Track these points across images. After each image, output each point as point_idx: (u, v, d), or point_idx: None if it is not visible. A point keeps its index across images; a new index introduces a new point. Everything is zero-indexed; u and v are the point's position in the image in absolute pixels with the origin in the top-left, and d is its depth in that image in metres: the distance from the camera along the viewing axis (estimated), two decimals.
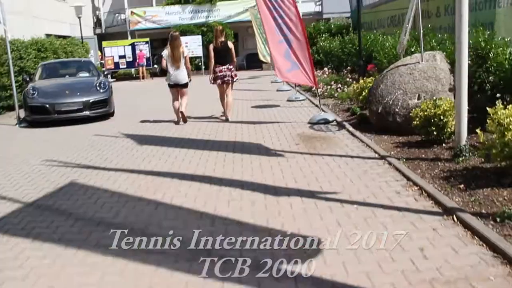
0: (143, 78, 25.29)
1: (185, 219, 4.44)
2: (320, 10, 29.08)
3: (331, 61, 17.22)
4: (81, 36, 20.60)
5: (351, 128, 7.89)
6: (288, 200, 4.79)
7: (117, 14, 29.07)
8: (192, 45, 25.75)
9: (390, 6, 15.81)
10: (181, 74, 9.02)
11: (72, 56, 17.98)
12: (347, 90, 11.31)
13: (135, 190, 5.39)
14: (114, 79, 27.07)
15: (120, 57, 26.15)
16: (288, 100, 12.06)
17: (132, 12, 27.35)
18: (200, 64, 26.58)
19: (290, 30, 8.74)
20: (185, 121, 9.29)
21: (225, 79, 9.13)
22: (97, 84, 10.83)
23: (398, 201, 4.59)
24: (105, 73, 12.15)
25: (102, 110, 10.60)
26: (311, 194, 4.93)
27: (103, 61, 26.04)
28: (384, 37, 13.16)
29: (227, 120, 9.44)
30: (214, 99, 10.96)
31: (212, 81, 9.28)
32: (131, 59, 26.12)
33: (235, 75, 9.38)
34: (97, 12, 29.89)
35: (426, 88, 7.28)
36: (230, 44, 9.25)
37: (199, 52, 25.87)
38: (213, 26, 26.16)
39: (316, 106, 10.61)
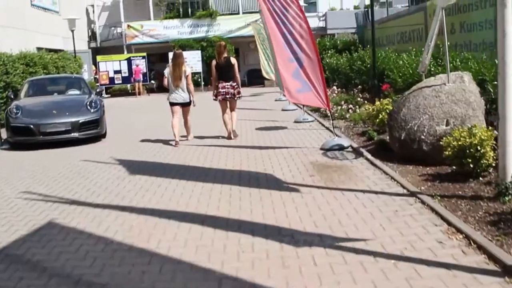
0: (139, 94, 24.51)
1: (185, 280, 3.56)
2: (324, 26, 28.48)
3: (338, 79, 16.48)
4: (74, 50, 19.80)
5: (370, 156, 7.06)
6: (309, 252, 3.93)
7: (113, 28, 28.36)
8: (191, 61, 24.98)
9: (399, 22, 15.15)
10: (183, 93, 8.79)
11: (64, 71, 17.16)
12: (359, 111, 10.51)
13: (125, 235, 4.51)
14: (109, 95, 26.28)
15: (116, 72, 25.41)
16: (296, 122, 11.23)
17: (128, 25, 26.64)
18: (199, 80, 25.80)
19: (301, 47, 7.88)
20: (188, 138, 9.27)
21: (228, 96, 8.90)
22: (88, 103, 9.99)
23: (443, 255, 3.74)
24: (97, 90, 11.14)
25: (92, 132, 9.75)
26: (336, 243, 4.08)
27: (97, 76, 25.26)
28: (397, 54, 12.45)
29: (230, 138, 9.15)
30: (216, 116, 10.46)
31: (214, 98, 9.06)
32: (127, 74, 25.37)
33: (239, 92, 9.10)
34: (92, 26, 29.20)
35: (455, 112, 6.47)
36: (233, 60, 8.99)
37: (198, 67, 25.13)
38: (213, 41, 25.72)
39: (327, 128, 9.82)
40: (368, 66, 13.25)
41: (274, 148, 8.32)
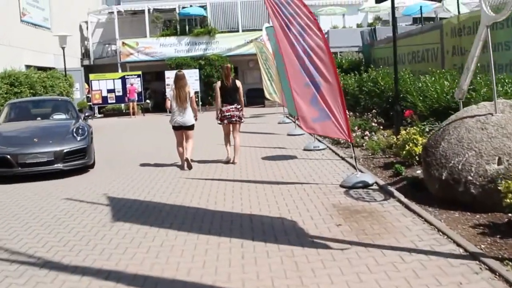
0: (133, 114, 23.42)
1: None
2: None
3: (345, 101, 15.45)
4: (65, 68, 18.71)
5: (403, 198, 5.97)
6: None
7: (107, 45, 27.37)
8: (188, 80, 23.80)
9: (411, 41, 14.20)
10: (186, 116, 8.47)
11: (52, 91, 16.06)
12: (376, 138, 9.45)
13: None
14: (102, 115, 25.21)
15: (109, 91, 24.38)
16: (305, 149, 10.15)
17: (123, 43, 25.65)
18: (197, 100, 24.70)
19: (318, 70, 6.85)
20: (190, 167, 8.54)
21: (233, 119, 8.72)
22: (75, 130, 8.88)
23: None
24: (86, 114, 10.05)
25: (79, 162, 8.63)
26: None
27: (89, 95, 24.20)
28: (412, 75, 11.46)
29: (233, 163, 8.86)
30: (217, 139, 10.23)
31: (218, 121, 8.85)
32: (121, 94, 24.32)
33: (243, 116, 8.95)
34: (86, 43, 28.20)
35: (509, 149, 5.42)
36: (239, 83, 8.86)
37: (196, 87, 24.04)
38: (211, 59, 24.87)
39: (342, 159, 8.77)
40: (382, 88, 12.24)
41: (286, 184, 7.22)
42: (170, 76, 24.09)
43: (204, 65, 24.77)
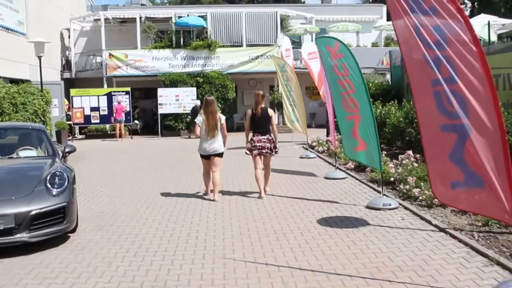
0: (120, 136, 20.28)
1: None
2: None
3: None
4: (41, 81, 15.48)
5: None
6: None
7: (91, 56, 24.16)
8: (184, 99, 21.11)
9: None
10: (217, 143, 7.91)
11: (25, 110, 12.90)
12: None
13: None
14: (83, 136, 22.03)
15: (93, 109, 21.27)
16: (370, 207, 7.18)
17: (110, 54, 22.52)
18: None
19: (469, 105, 4.21)
20: (214, 199, 7.89)
21: (264, 150, 8.09)
22: (49, 178, 5.79)
23: None
24: (66, 150, 7.04)
25: (53, 230, 5.52)
26: None
27: (69, 113, 21.02)
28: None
29: (259, 197, 8.06)
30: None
31: (248, 152, 8.18)
32: (106, 113, 21.22)
33: (275, 147, 8.23)
34: (67, 53, 24.99)
35: None
36: (271, 112, 8.20)
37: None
38: (211, 77, 21.93)
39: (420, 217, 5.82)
40: None
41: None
42: (163, 94, 21.15)
43: (203, 83, 21.81)
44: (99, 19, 23.51)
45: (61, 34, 24.83)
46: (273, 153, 8.16)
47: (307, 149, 14.07)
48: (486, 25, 21.38)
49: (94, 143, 19.23)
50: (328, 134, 16.56)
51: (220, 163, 8.01)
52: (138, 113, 23.70)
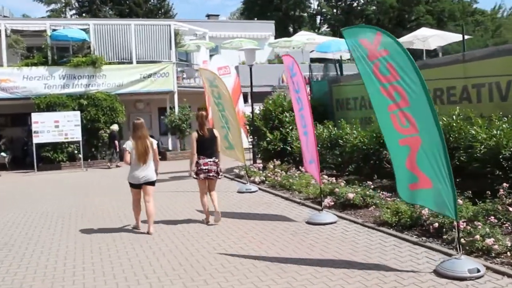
0: None
1: None
2: None
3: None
4: None
5: None
6: None
7: None
8: (66, 125, 17.71)
9: (434, 74, 10.56)
10: (148, 170, 7.38)
11: None
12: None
13: None
14: None
15: None
16: (446, 276, 5.39)
17: None
18: (76, 152, 18.39)
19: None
20: (149, 232, 7.34)
21: (211, 174, 7.75)
22: None
23: None
24: None
25: None
26: None
27: None
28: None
29: (208, 222, 7.79)
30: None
31: (194, 176, 7.78)
32: None
33: (221, 171, 7.95)
34: None
35: None
36: (217, 133, 8.01)
37: (76, 135, 17.82)
38: (96, 98, 18.80)
39: None
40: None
41: None
42: (38, 120, 17.59)
43: (87, 106, 18.61)
44: None
45: None
46: (219, 176, 7.89)
47: (242, 181, 12.00)
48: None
49: None
50: (255, 160, 14.82)
51: (153, 192, 7.58)
52: (4, 143, 19.57)
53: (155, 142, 7.52)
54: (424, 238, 6.29)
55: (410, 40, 21.01)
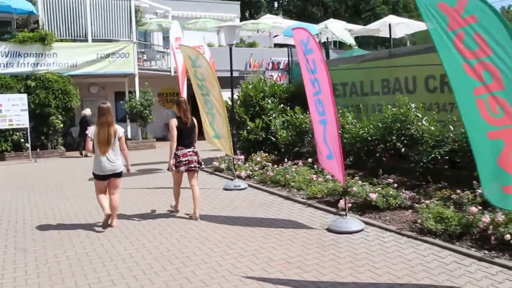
0: None
1: None
2: None
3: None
4: None
5: None
6: None
7: None
8: (10, 110, 15.45)
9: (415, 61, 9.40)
10: (115, 161, 6.66)
11: None
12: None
13: None
14: None
15: None
16: None
17: None
18: (23, 141, 16.15)
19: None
20: (112, 225, 6.77)
21: (192, 165, 7.12)
22: None
23: None
24: None
25: None
26: None
27: None
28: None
29: (195, 218, 7.05)
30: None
31: (174, 169, 7.03)
32: None
33: (202, 161, 7.34)
34: None
35: None
36: (195, 121, 7.30)
37: (23, 121, 15.58)
38: (46, 79, 16.52)
39: None
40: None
41: None
42: None
43: (36, 88, 16.32)
44: None
45: None
46: (201, 167, 7.34)
47: (227, 175, 10.52)
48: (345, 30, 20.75)
49: None
50: (235, 151, 13.20)
51: (119, 183, 6.97)
52: None
53: (121, 131, 6.77)
54: (486, 252, 5.09)
55: (377, 28, 20.17)
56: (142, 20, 19.88)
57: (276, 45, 26.05)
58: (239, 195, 8.70)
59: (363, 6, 53.62)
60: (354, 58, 12.50)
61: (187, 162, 7.04)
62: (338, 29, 20.32)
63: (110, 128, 6.58)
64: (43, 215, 7.73)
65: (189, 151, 7.08)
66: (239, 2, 25.78)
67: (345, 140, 9.60)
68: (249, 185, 9.40)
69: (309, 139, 11.02)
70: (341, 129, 9.84)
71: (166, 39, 23.91)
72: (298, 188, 8.69)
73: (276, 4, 53.05)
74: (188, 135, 7.08)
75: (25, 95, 15.79)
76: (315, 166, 9.42)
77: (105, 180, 6.73)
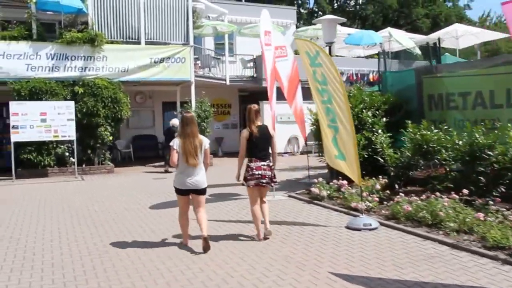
0: None
1: None
2: (254, 75, 20.26)
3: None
4: None
5: None
6: None
7: None
8: (56, 119, 13.56)
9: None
10: (199, 175, 6.22)
11: None
12: None
13: None
14: None
15: None
16: None
17: None
18: (68, 155, 14.22)
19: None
20: (207, 248, 6.06)
21: (264, 180, 6.58)
22: None
23: None
24: None
25: None
26: None
27: None
28: None
29: (261, 238, 6.59)
30: None
31: (244, 183, 6.66)
32: None
33: (275, 177, 6.77)
34: None
35: None
36: (272, 131, 6.73)
37: (70, 132, 13.64)
38: (95, 85, 14.59)
39: None
40: None
41: None
42: (19, 111, 13.39)
43: (83, 95, 14.41)
44: None
45: None
46: (273, 183, 6.76)
47: (338, 207, 8.27)
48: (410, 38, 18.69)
49: None
50: (332, 175, 10.86)
51: (204, 200, 6.38)
52: None
53: (207, 142, 6.35)
54: None
55: (438, 37, 18.07)
56: (198, 23, 17.92)
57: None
58: (376, 239, 6.41)
59: (405, 18, 51.61)
60: (481, 62, 10.22)
61: (259, 176, 6.53)
62: (404, 37, 18.29)
63: (195, 139, 6.20)
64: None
65: (263, 165, 6.57)
66: (296, 8, 23.86)
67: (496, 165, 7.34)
68: (380, 223, 7.12)
69: (436, 162, 8.75)
70: (489, 151, 7.55)
71: (217, 45, 22.01)
72: (457, 231, 6.40)
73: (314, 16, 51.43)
74: (260, 147, 6.56)
75: (72, 103, 13.87)
76: (474, 200, 7.10)
77: (186, 195, 6.31)
